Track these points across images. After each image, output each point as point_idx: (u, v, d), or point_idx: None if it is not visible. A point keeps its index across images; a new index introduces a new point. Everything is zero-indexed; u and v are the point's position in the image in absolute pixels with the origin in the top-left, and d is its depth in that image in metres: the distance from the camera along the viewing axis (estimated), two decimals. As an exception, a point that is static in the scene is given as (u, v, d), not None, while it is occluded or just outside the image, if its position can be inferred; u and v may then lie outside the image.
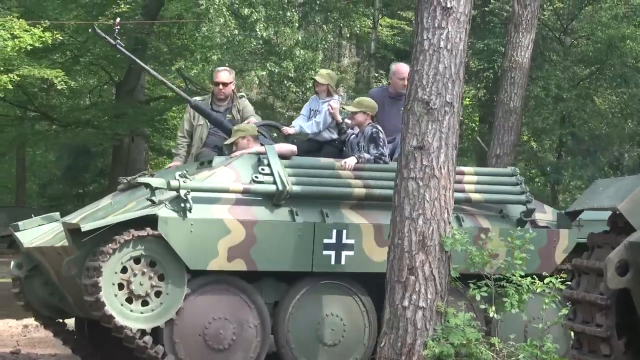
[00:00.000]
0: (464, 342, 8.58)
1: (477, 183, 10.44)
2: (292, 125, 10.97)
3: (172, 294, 9.06)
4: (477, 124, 28.81)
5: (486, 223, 10.20)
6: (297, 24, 20.61)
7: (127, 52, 11.43)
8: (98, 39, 23.12)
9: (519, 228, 9.78)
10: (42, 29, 18.21)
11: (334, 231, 9.62)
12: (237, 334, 9.42)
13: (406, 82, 11.02)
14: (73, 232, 8.96)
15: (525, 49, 17.71)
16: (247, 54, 21.08)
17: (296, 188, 9.62)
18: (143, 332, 9.01)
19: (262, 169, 9.66)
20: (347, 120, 10.69)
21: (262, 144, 10.22)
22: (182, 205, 9.08)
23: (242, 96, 11.38)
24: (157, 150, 32.92)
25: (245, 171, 9.66)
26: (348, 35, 24.82)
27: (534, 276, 9.03)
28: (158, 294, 9.03)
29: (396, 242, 8.88)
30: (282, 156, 9.93)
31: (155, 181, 9.34)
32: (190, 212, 9.09)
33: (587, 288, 6.67)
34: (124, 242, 8.83)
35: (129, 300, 8.94)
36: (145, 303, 9.00)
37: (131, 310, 8.94)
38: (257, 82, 24.81)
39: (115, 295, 8.85)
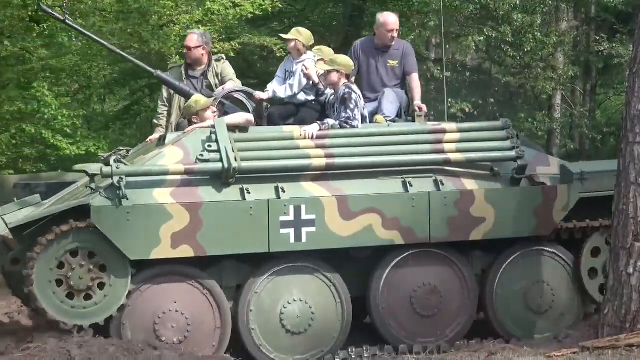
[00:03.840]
0: (689, 310, 8.35)
1: (460, 141, 9.67)
2: (266, 89, 10.11)
3: (115, 285, 8.60)
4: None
5: (472, 185, 9.51)
6: (514, -12, 20.34)
7: (76, 27, 11.13)
8: (313, 7, 23.71)
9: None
10: (262, -3, 18.57)
11: (291, 207, 8.97)
12: (192, 324, 8.94)
13: (395, 34, 10.70)
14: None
15: None
16: (463, 19, 20.94)
17: (245, 164, 8.97)
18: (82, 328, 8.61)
19: (209, 146, 9.01)
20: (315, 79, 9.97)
21: (227, 113, 9.69)
22: (117, 192, 8.54)
23: (221, 58, 10.81)
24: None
25: (195, 149, 9.05)
26: (567, -2, 24.24)
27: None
28: (101, 286, 8.59)
29: (621, 208, 8.69)
30: (239, 128, 9.34)
31: (92, 167, 8.83)
32: (126, 199, 8.55)
33: None
34: (48, 243, 8.37)
35: (70, 296, 8.52)
36: (89, 297, 8.55)
37: (73, 307, 8.51)
38: (473, 47, 24.61)
39: (54, 293, 8.46)
